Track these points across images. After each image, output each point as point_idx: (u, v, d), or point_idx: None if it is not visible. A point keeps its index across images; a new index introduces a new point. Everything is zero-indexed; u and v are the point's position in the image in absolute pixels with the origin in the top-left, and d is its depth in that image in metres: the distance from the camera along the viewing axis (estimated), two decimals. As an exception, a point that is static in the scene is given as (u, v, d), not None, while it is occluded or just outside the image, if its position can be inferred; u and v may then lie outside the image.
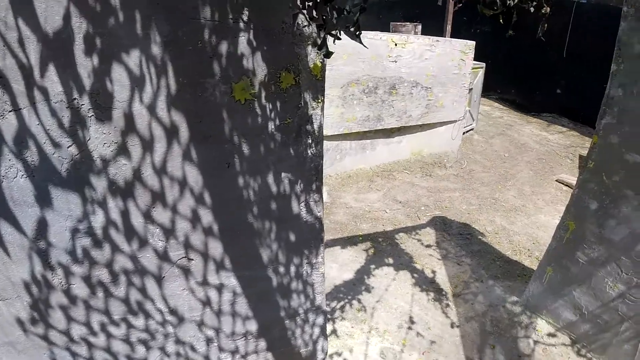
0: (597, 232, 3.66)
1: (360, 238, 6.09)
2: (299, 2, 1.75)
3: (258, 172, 2.11)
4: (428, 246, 5.86)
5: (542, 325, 4.37)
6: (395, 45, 7.25)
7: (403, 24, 8.70)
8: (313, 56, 2.07)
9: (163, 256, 2.01)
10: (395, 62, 7.37)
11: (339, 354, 4.16)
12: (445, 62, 7.90)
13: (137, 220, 1.89)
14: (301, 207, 2.37)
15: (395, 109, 7.74)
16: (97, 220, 1.81)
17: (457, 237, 6.07)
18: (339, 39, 1.71)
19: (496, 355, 4.10)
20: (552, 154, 9.03)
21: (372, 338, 4.36)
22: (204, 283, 2.25)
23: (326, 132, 7.38)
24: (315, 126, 2.22)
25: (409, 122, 8.00)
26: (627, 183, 3.37)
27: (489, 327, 4.42)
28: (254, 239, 2.28)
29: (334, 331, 4.43)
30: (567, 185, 7.49)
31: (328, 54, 1.76)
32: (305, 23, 1.94)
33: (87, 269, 1.88)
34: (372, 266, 5.47)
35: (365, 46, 1.85)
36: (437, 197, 7.22)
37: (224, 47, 1.78)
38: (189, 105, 1.80)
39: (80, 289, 1.89)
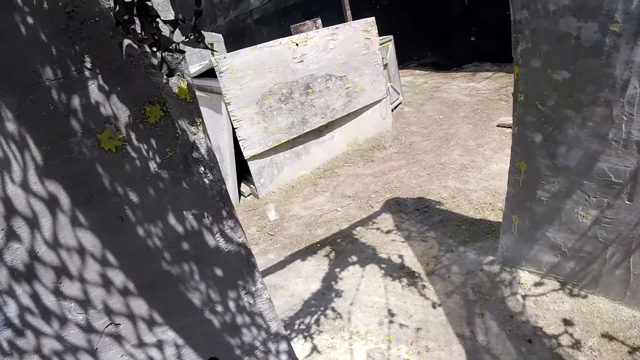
0: (550, 164, 3.48)
1: (318, 245, 5.83)
2: (120, 28, 1.51)
3: (157, 216, 1.89)
4: (388, 232, 5.65)
5: (526, 277, 4.20)
6: (297, 45, 7.06)
7: (302, 23, 8.52)
8: (175, 80, 1.83)
9: (87, 328, 1.84)
10: (302, 61, 7.18)
11: None
12: (351, 46, 7.77)
13: (49, 300, 1.72)
14: (217, 239, 2.09)
15: (317, 107, 7.55)
16: (11, 310, 1.65)
17: (415, 213, 5.90)
18: (183, 52, 1.56)
19: (487, 323, 3.89)
20: (485, 102, 9.02)
21: (355, 343, 4.10)
22: (141, 344, 2.01)
23: (255, 150, 7.11)
24: (203, 151, 1.96)
25: (334, 115, 7.82)
26: (565, 103, 3.17)
27: (472, 296, 4.22)
28: (177, 286, 2.03)
29: (314, 348, 4.14)
30: (509, 127, 7.44)
31: (171, 73, 1.57)
32: (154, 48, 1.70)
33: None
34: (337, 269, 5.21)
35: (213, 50, 1.62)
36: (385, 180, 7.06)
37: (76, 102, 1.62)
38: (60, 171, 1.64)
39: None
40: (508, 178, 3.99)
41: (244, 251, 2.26)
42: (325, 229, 6.17)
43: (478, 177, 6.35)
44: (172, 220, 1.91)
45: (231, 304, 2.30)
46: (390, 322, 4.22)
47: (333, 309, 4.61)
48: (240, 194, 7.88)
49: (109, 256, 1.80)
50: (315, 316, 4.59)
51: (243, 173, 7.65)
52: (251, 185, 7.65)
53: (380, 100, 8.41)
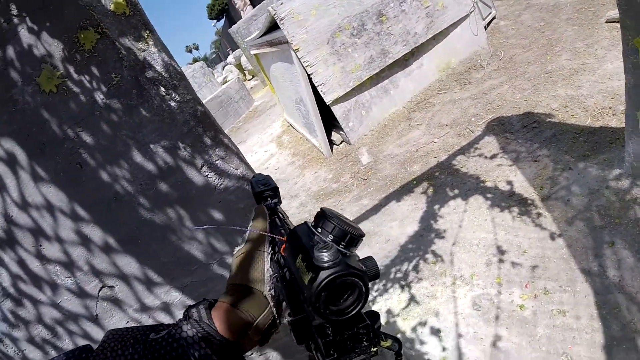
0: None
1: (414, 182, 5.30)
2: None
3: (118, 155, 1.59)
4: (493, 157, 4.94)
5: (663, 188, 3.38)
6: (359, -33, 6.38)
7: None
8: (107, -6, 1.48)
9: (80, 293, 1.67)
10: (369, -14, 6.49)
11: (423, 324, 3.45)
12: (424, -42, 6.88)
13: (34, 266, 1.60)
14: (205, 174, 1.71)
15: (396, 34, 6.82)
16: (5, 279, 1.58)
17: (522, 131, 5.08)
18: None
19: (619, 254, 3.17)
20: (588, -1, 7.61)
21: (459, 289, 3.61)
22: (144, 308, 1.77)
23: (336, 94, 6.65)
24: (159, 68, 1.59)
25: (417, 40, 7.02)
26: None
27: (599, 221, 3.48)
28: (167, 237, 1.70)
29: (411, 299, 3.75)
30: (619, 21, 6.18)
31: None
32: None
33: (26, 330, 1.65)
34: (436, 207, 4.68)
35: None
36: (485, 101, 6.22)
37: (11, 52, 1.44)
38: (10, 126, 1.47)
39: (30, 352, 1.67)
40: (624, 64, 3.11)
41: (248, 185, 1.81)
42: (421, 164, 5.60)
43: (592, 80, 5.29)
44: (137, 157, 1.59)
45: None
46: (500, 261, 3.65)
47: (433, 252, 4.13)
48: (331, 143, 7.51)
49: (78, 210, 1.58)
50: (413, 262, 4.16)
51: (332, 121, 7.23)
52: (341, 132, 7.24)
53: (467, 16, 7.40)
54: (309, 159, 7.86)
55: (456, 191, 4.73)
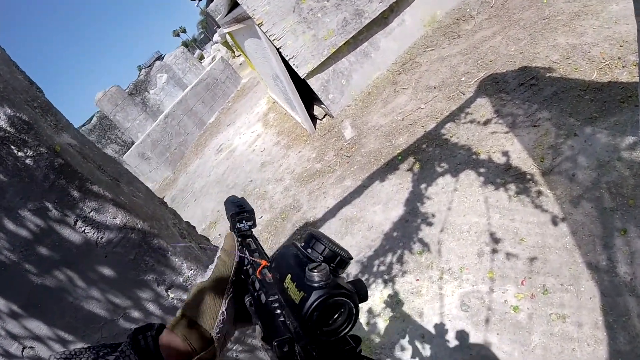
0: None
1: (400, 157, 4.72)
2: None
3: None
4: (486, 123, 4.32)
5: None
6: None
7: None
8: None
9: (7, 354, 1.58)
10: (333, -63, 5.75)
11: (405, 328, 2.97)
12: None
13: None
14: (81, 229, 1.43)
15: (371, -11, 6.11)
16: None
17: (519, 90, 4.42)
18: None
19: (633, 244, 2.60)
20: None
21: (447, 285, 3.10)
22: None
23: (310, 65, 6.01)
24: (3, 123, 1.31)
25: (397, -6, 6.31)
26: None
27: (609, 202, 2.88)
28: (63, 298, 1.55)
29: (394, 296, 3.25)
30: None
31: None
32: None
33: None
34: (423, 186, 4.11)
35: None
36: (477, 56, 5.53)
37: None
38: None
39: None
40: (634, 6, 2.43)
41: (135, 235, 1.58)
42: (407, 135, 5.00)
43: (596, 24, 4.55)
44: (9, 225, 1.39)
45: (152, 306, 1.71)
46: (494, 251, 3.12)
47: (419, 240, 3.61)
48: (314, 117, 6.92)
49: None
50: (398, 252, 3.65)
51: (312, 94, 6.60)
52: (322, 105, 6.62)
53: (451, -41, 6.64)
54: (293, 137, 7.31)
55: (445, 166, 4.14)
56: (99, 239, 1.43)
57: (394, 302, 3.30)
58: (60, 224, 1.39)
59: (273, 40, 5.71)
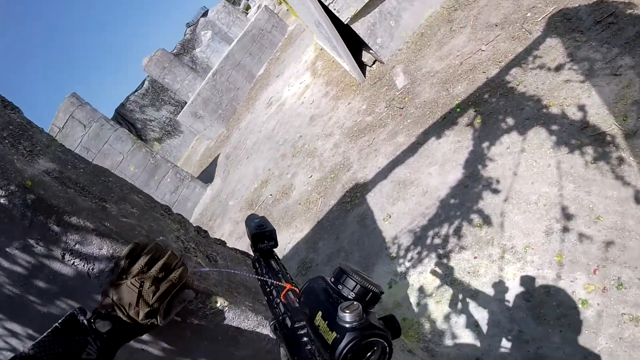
0: None
1: (458, 109, 4.21)
2: None
3: None
4: (558, 68, 3.68)
5: None
6: None
7: None
8: None
9: None
10: None
11: (458, 312, 2.63)
12: None
13: None
14: (69, 262, 1.35)
15: None
16: None
17: (596, 29, 3.69)
18: None
19: None
20: None
21: (508, 266, 2.73)
22: None
23: (353, 8, 5.40)
24: None
25: None
26: None
27: None
28: None
29: (448, 275, 2.92)
30: None
31: None
32: None
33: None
34: (485, 144, 3.63)
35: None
36: (546, -16, 4.79)
37: None
38: None
39: None
40: None
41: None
42: (467, 83, 4.45)
43: None
44: (5, 263, 1.34)
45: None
46: (565, 229, 2.67)
47: (479, 211, 3.20)
48: (363, 65, 6.41)
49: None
50: (455, 223, 3.28)
51: (359, 38, 6.06)
52: (371, 51, 6.09)
53: None
54: (342, 86, 6.86)
55: (511, 121, 3.61)
56: (90, 270, 1.32)
57: (448, 281, 2.97)
58: (49, 258, 1.31)
59: (308, -20, 5.18)
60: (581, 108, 3.19)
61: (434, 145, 4.07)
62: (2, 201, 1.19)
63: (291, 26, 15.05)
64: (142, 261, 1.08)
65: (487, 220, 3.07)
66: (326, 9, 5.46)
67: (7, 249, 1.27)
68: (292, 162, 6.38)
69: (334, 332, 0.55)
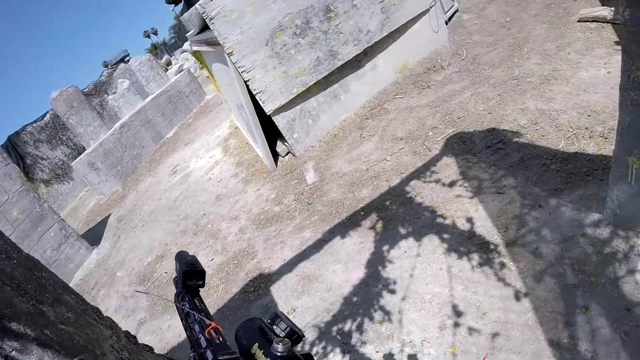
0: None
1: (362, 213, 4.57)
2: None
3: None
4: (452, 184, 4.24)
5: (651, 245, 2.75)
6: (303, -42, 5.52)
7: None
8: None
9: None
10: (313, -22, 5.64)
11: None
12: (376, -54, 6.04)
13: None
14: None
15: (346, 33, 6.01)
16: None
17: (486, 153, 4.38)
18: None
19: (594, 322, 2.58)
20: (558, -7, 6.92)
21: (407, 359, 2.95)
22: None
23: (279, 102, 5.84)
24: None
25: (371, 39, 6.23)
26: None
27: (572, 278, 2.86)
28: None
29: None
30: (594, 21, 5.50)
31: None
32: None
33: None
34: (385, 247, 3.97)
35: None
36: (445, 110, 5.51)
37: None
38: None
39: None
40: (620, 98, 2.40)
41: None
42: (371, 188, 4.87)
43: (565, 91, 4.61)
44: None
45: None
46: (456, 325, 3.02)
47: (380, 308, 3.45)
48: (276, 154, 6.72)
49: None
50: (358, 319, 3.46)
51: (277, 129, 6.41)
52: (286, 143, 6.44)
53: (427, 11, 6.64)
54: (253, 171, 7.05)
55: (409, 228, 4.02)
56: None
57: (348, 379, 3.12)
58: None
59: (242, 72, 5.50)
60: (469, 220, 3.70)
61: (338, 244, 4.35)
62: None
63: (209, 95, 15.26)
64: None
65: (387, 317, 3.32)
66: (252, 96, 5.78)
67: None
68: (193, 240, 6.30)
69: (268, 358, 0.72)
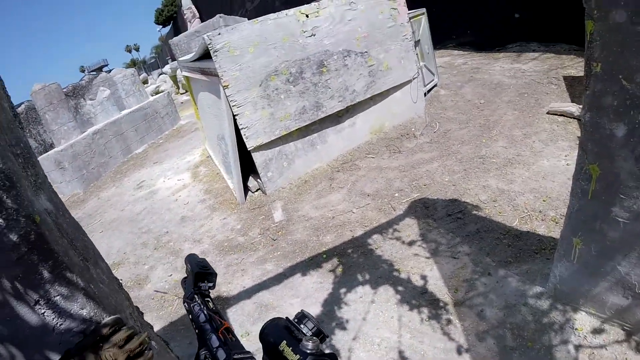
0: (636, 170, 2.32)
1: (324, 256, 4.85)
2: None
3: None
4: (411, 243, 4.59)
5: (583, 320, 3.10)
6: (307, 16, 5.99)
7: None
8: None
9: None
10: (313, 35, 6.10)
11: None
12: (374, 17, 6.61)
13: None
14: (40, 312, 1.23)
15: (333, 88, 6.49)
16: None
17: (446, 220, 4.80)
18: None
19: None
20: (532, 85, 7.63)
21: None
22: None
23: (260, 140, 6.16)
24: None
25: (355, 98, 6.73)
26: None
27: (511, 341, 3.17)
28: None
29: None
30: (561, 115, 6.19)
31: None
32: None
33: None
34: (343, 290, 4.23)
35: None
36: (413, 176, 5.96)
37: None
38: None
39: None
40: (572, 186, 2.84)
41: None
42: (335, 235, 5.17)
43: (525, 175, 5.16)
44: None
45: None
46: None
47: (331, 345, 3.66)
48: (247, 188, 6.97)
49: None
50: (308, 353, 3.64)
51: (251, 165, 6.69)
52: (258, 180, 6.72)
53: (410, 81, 7.24)
54: (220, 200, 7.24)
55: (367, 276, 4.31)
56: (58, 325, 1.26)
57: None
58: (18, 300, 1.21)
59: (233, 105, 5.82)
60: (423, 277, 4.03)
61: (298, 281, 4.59)
62: (0, 224, 1.12)
63: (183, 121, 15.41)
64: (122, 334, 1.13)
65: (337, 353, 3.55)
66: (237, 130, 6.09)
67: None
68: (153, 254, 6.38)
69: (297, 355, 0.74)
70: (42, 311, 1.23)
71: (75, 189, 11.81)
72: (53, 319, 1.24)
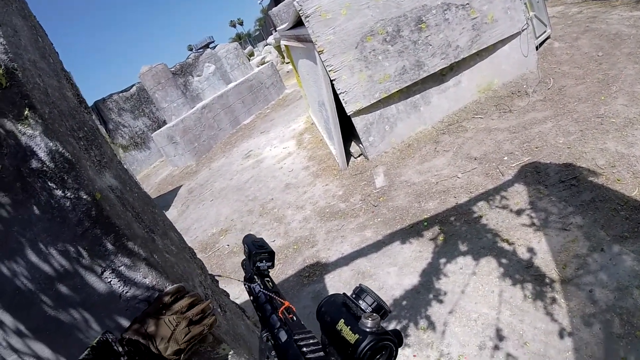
0: None
1: (425, 223, 4.68)
2: None
3: (15, 251, 1.30)
4: (519, 212, 4.26)
5: None
6: (403, -31, 5.67)
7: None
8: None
9: None
10: (411, -11, 5.78)
11: None
12: (478, -35, 6.08)
13: None
14: (107, 281, 1.37)
15: (435, 45, 6.11)
16: None
17: (558, 187, 4.37)
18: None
19: None
20: (657, 34, 6.64)
21: None
22: None
23: (360, 104, 6.04)
24: (44, 157, 1.22)
25: (459, 55, 6.29)
26: None
27: (618, 328, 2.85)
28: (74, 333, 1.45)
29: None
30: None
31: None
32: None
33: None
34: (442, 260, 4.07)
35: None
36: (524, 137, 5.49)
37: None
38: None
39: None
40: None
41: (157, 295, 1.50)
42: (438, 202, 4.96)
43: (649, 138, 4.51)
44: (32, 257, 1.31)
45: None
46: (496, 347, 3.10)
47: (426, 317, 3.56)
48: (349, 154, 6.91)
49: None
50: (403, 322, 3.61)
51: (353, 130, 6.61)
52: (360, 145, 6.64)
53: (519, 33, 6.58)
54: (324, 166, 7.31)
55: (469, 246, 4.10)
56: (124, 293, 1.39)
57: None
58: (87, 270, 1.35)
59: (329, 70, 5.74)
60: (530, 250, 3.75)
61: (397, 249, 4.49)
62: (62, 201, 1.23)
63: (288, 89, 15.71)
64: (184, 302, 1.17)
65: (431, 326, 3.45)
66: (335, 95, 6.00)
67: (43, 246, 1.28)
68: (258, 220, 6.63)
69: (356, 334, 0.68)
70: (109, 280, 1.35)
71: (188, 161, 12.65)
72: (119, 287, 1.36)
